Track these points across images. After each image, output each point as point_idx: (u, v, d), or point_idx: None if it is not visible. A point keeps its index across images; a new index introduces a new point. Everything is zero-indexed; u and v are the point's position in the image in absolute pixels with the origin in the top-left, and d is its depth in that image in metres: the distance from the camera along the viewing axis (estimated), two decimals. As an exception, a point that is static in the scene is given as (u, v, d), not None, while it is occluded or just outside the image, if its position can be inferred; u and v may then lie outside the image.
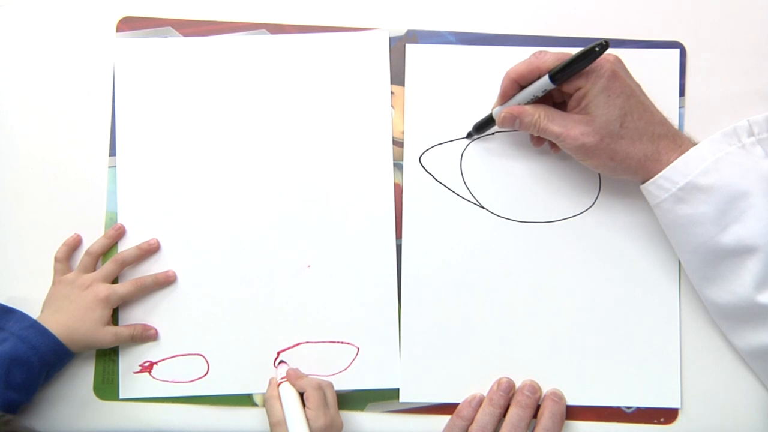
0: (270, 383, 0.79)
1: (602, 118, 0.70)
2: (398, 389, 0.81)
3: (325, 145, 0.83)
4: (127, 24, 0.84)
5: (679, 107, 0.81)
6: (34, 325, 0.77)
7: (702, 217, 0.70)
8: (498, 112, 0.75)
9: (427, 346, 0.81)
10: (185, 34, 0.84)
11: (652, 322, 0.80)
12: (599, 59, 0.69)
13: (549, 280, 0.80)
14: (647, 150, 0.71)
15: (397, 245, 0.82)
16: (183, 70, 0.84)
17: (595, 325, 0.80)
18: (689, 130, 0.79)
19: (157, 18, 0.85)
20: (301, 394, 0.77)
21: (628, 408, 0.80)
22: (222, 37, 0.84)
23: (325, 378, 0.80)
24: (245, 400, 0.82)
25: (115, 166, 0.83)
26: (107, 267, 0.81)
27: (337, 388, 0.80)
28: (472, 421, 0.78)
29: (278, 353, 0.81)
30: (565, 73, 0.69)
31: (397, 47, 0.83)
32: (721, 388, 0.79)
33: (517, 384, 0.80)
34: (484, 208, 0.81)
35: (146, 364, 0.82)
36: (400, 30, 0.83)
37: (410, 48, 0.83)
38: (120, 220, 0.83)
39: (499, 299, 0.81)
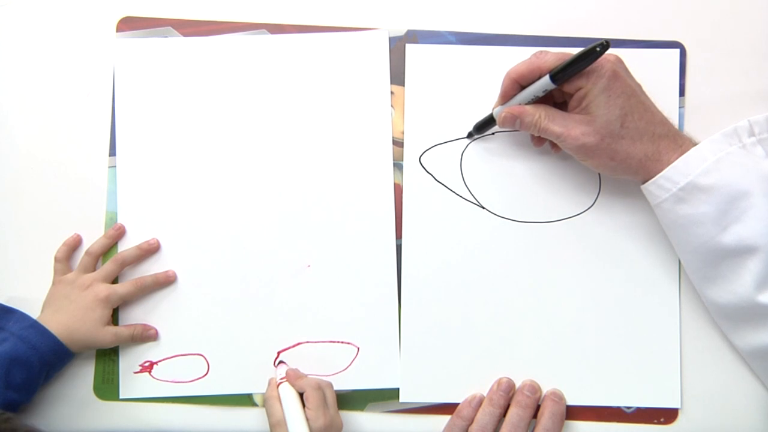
0: (269, 383, 0.79)
1: (603, 118, 0.69)
2: (398, 389, 0.80)
3: (325, 145, 0.82)
4: (127, 24, 0.84)
5: (679, 107, 0.80)
6: (34, 325, 0.76)
7: (702, 217, 0.69)
8: (498, 112, 0.75)
9: (427, 346, 0.80)
10: (185, 34, 0.83)
11: (652, 322, 0.79)
12: (600, 59, 0.68)
13: (549, 280, 0.80)
14: (648, 150, 0.70)
15: (397, 245, 0.81)
16: (183, 70, 0.83)
17: (595, 325, 0.79)
18: (689, 130, 0.78)
19: (157, 18, 0.84)
20: (301, 395, 0.76)
21: (628, 408, 0.79)
22: (222, 37, 0.83)
23: (325, 378, 0.79)
24: (245, 400, 0.81)
25: (115, 166, 0.83)
26: (107, 267, 0.81)
27: (337, 388, 0.79)
28: (472, 421, 0.77)
29: (278, 353, 0.81)
30: (566, 73, 0.69)
31: (397, 47, 0.82)
32: (721, 388, 0.78)
33: (517, 384, 0.79)
34: (484, 208, 0.81)
35: (146, 364, 0.81)
36: (400, 30, 0.82)
37: (410, 48, 0.82)
38: (120, 220, 0.82)
39: (499, 299, 0.80)
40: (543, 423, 0.77)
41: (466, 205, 0.81)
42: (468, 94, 0.81)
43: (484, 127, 0.79)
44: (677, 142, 0.71)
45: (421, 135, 0.81)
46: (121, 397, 0.81)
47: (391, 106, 0.82)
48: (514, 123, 0.73)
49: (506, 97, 0.75)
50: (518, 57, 0.74)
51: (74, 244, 0.82)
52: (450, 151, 0.81)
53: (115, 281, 0.81)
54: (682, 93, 0.80)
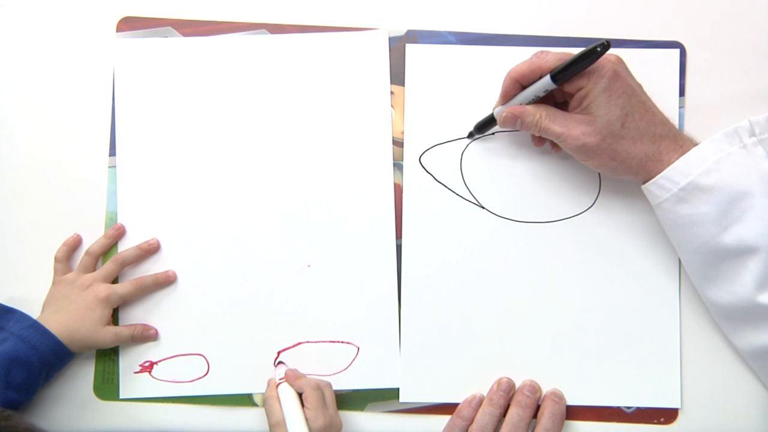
0: (269, 384, 0.78)
1: (603, 118, 0.69)
2: (398, 389, 0.80)
3: (325, 145, 0.81)
4: (127, 24, 0.83)
5: (679, 107, 0.80)
6: (34, 325, 0.76)
7: (703, 217, 0.69)
8: (499, 112, 0.74)
9: (427, 346, 0.79)
10: (185, 34, 0.83)
11: (652, 322, 0.78)
12: (601, 59, 0.67)
13: (549, 280, 0.79)
14: (648, 150, 0.69)
15: (397, 245, 0.80)
16: (183, 70, 0.82)
17: (595, 325, 0.79)
18: (689, 130, 0.77)
19: (157, 18, 0.83)
20: (300, 395, 0.75)
21: (628, 408, 0.78)
22: (222, 37, 0.83)
23: (325, 378, 0.79)
24: (245, 400, 0.80)
25: (115, 166, 0.82)
26: (107, 267, 0.80)
27: (337, 387, 0.79)
28: (472, 421, 0.77)
29: (278, 353, 0.80)
30: (567, 73, 0.68)
31: (397, 47, 0.82)
32: (721, 388, 0.78)
33: (517, 384, 0.78)
34: (484, 208, 0.80)
35: (146, 364, 0.81)
36: (400, 30, 0.82)
37: (410, 48, 0.81)
38: (120, 220, 0.82)
39: (499, 299, 0.79)
40: (543, 423, 0.76)
41: (466, 205, 0.80)
42: (468, 94, 0.80)
43: (484, 126, 0.78)
44: (678, 142, 0.70)
45: (421, 135, 0.81)
46: (121, 397, 0.81)
47: (391, 106, 0.81)
48: (514, 123, 0.73)
49: (507, 96, 0.74)
50: (518, 57, 0.74)
51: (74, 244, 0.82)
52: (450, 151, 0.80)
53: (115, 281, 0.81)
54: (682, 93, 0.80)
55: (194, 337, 0.81)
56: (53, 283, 0.80)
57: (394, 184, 0.81)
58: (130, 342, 0.80)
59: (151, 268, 0.81)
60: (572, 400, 0.78)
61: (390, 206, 0.81)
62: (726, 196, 0.68)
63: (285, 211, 0.81)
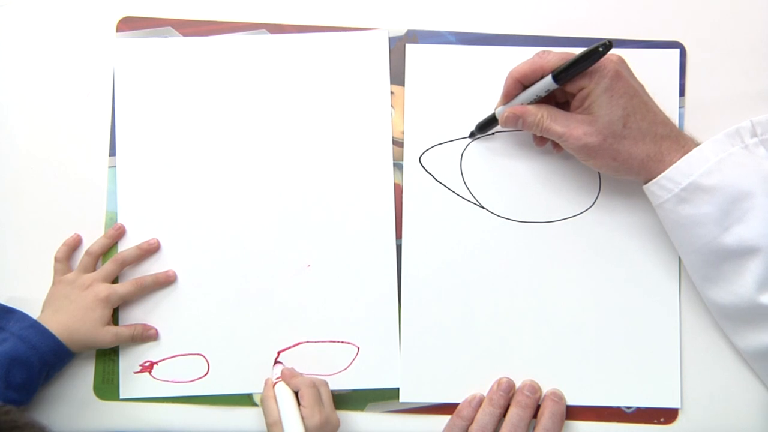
0: (265, 383, 0.77)
1: (605, 119, 0.67)
2: (398, 389, 0.78)
3: (325, 145, 0.80)
4: (127, 24, 0.82)
5: (679, 107, 0.78)
6: (34, 325, 0.74)
7: (704, 217, 0.67)
8: (501, 112, 0.73)
9: (427, 346, 0.78)
10: (185, 34, 0.81)
11: (652, 322, 0.77)
12: (602, 59, 0.66)
13: (549, 280, 0.78)
14: (650, 150, 0.68)
15: (397, 245, 0.79)
16: (183, 70, 0.81)
17: (595, 325, 0.77)
18: (689, 130, 0.76)
19: (157, 18, 0.82)
20: (297, 393, 0.74)
21: (628, 408, 0.77)
22: (222, 37, 0.81)
23: (325, 378, 0.77)
24: (245, 400, 0.79)
25: (115, 166, 0.81)
26: (107, 267, 0.79)
27: (337, 387, 0.78)
28: (472, 421, 0.75)
29: (278, 353, 0.79)
30: (569, 73, 0.67)
31: (397, 47, 0.80)
32: (721, 389, 0.76)
33: (517, 384, 0.77)
34: (484, 208, 0.79)
35: (146, 364, 0.79)
36: (400, 30, 0.80)
37: (410, 48, 0.80)
38: (120, 220, 0.80)
39: (499, 299, 0.78)
40: (543, 423, 0.75)
41: (466, 205, 0.79)
42: (468, 94, 0.79)
43: (486, 126, 0.77)
44: (679, 142, 0.69)
45: (421, 135, 0.79)
46: (121, 397, 0.79)
47: (391, 106, 0.80)
48: (516, 123, 0.72)
49: (509, 96, 0.73)
50: (518, 57, 0.73)
51: (74, 244, 0.80)
52: (450, 151, 0.79)
53: (115, 281, 0.79)
54: (682, 93, 0.78)
55: (194, 337, 0.79)
56: (53, 283, 0.79)
57: (394, 184, 0.79)
58: (130, 342, 0.79)
59: (151, 268, 0.80)
60: (572, 400, 0.77)
61: (390, 206, 0.79)
62: (727, 196, 0.66)
63: (285, 211, 0.80)
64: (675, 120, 0.77)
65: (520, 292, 0.78)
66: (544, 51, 0.71)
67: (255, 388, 0.79)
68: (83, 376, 0.79)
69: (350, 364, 0.79)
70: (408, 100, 0.80)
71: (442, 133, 0.79)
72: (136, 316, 0.80)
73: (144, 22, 0.82)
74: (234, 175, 0.80)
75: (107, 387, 0.79)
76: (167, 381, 0.79)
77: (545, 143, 0.76)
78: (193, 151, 0.80)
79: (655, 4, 0.80)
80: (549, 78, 0.68)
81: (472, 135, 0.78)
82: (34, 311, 0.77)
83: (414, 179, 0.79)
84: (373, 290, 0.79)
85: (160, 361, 0.79)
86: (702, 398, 0.76)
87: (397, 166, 0.79)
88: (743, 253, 0.67)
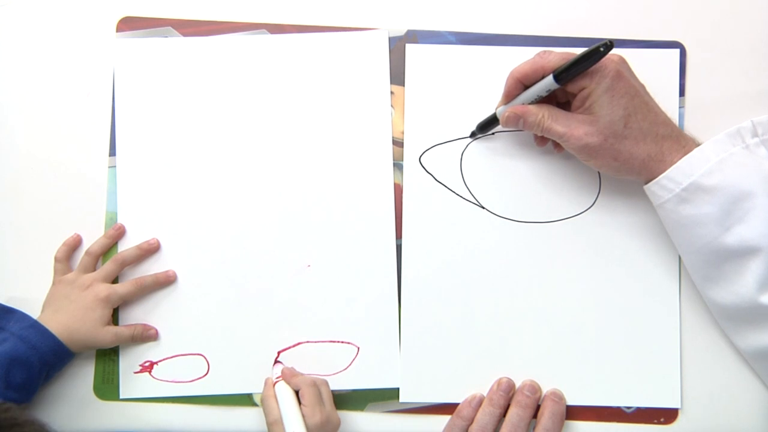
0: (266, 383, 0.76)
1: (606, 119, 0.67)
2: (398, 389, 0.77)
3: (325, 145, 0.79)
4: (127, 24, 0.81)
5: (679, 107, 0.77)
6: (34, 325, 0.74)
7: (705, 217, 0.67)
8: (502, 112, 0.72)
9: (427, 346, 0.77)
10: (185, 34, 0.81)
11: (653, 322, 0.76)
12: (604, 59, 0.66)
13: (549, 280, 0.77)
14: (651, 150, 0.67)
15: (397, 245, 0.78)
16: (183, 70, 0.80)
17: (595, 325, 0.76)
18: (689, 130, 0.74)
19: (157, 18, 0.81)
20: (297, 393, 0.73)
21: (628, 408, 0.76)
22: (222, 37, 0.80)
23: (325, 378, 0.77)
24: (245, 400, 0.78)
25: (115, 166, 0.80)
26: (107, 267, 0.78)
27: (337, 387, 0.77)
28: (472, 421, 0.75)
29: (278, 353, 0.78)
30: (570, 72, 0.66)
31: (397, 47, 0.79)
32: (721, 388, 0.76)
33: (517, 384, 0.76)
34: (484, 208, 0.78)
35: (146, 364, 0.78)
36: (400, 30, 0.79)
37: (410, 48, 0.79)
38: (120, 220, 0.79)
39: (499, 299, 0.77)
40: (543, 423, 0.74)
41: (466, 205, 0.78)
42: (468, 94, 0.78)
43: (487, 126, 0.76)
44: (680, 142, 0.68)
45: (421, 135, 0.78)
46: (121, 397, 0.78)
47: (391, 106, 0.79)
48: (517, 122, 0.71)
49: (509, 96, 0.72)
50: (518, 57, 0.72)
51: (74, 244, 0.80)
52: (450, 151, 0.78)
53: (115, 281, 0.79)
54: (682, 93, 0.78)
55: (194, 337, 0.78)
56: (53, 283, 0.78)
57: (394, 184, 0.78)
58: (130, 342, 0.78)
59: (151, 268, 0.79)
60: (572, 400, 0.76)
61: (390, 206, 0.78)
62: (728, 196, 0.66)
63: (285, 211, 0.79)
64: (675, 120, 0.75)
65: (520, 292, 0.77)
66: (545, 51, 0.70)
67: (255, 388, 0.78)
68: (83, 376, 0.79)
69: (350, 364, 0.78)
70: (408, 100, 0.79)
71: (442, 133, 0.78)
72: (136, 316, 0.79)
73: (144, 22, 0.81)
74: (234, 175, 0.79)
75: (107, 387, 0.78)
76: (167, 381, 0.78)
77: (546, 143, 0.76)
78: (193, 151, 0.79)
79: (655, 4, 0.79)
80: (550, 78, 0.67)
81: (473, 135, 0.78)
82: (34, 311, 0.76)
83: (414, 179, 0.78)
84: (373, 290, 0.78)
85: (160, 361, 0.78)
86: (702, 398, 0.76)
87: (397, 166, 0.78)
88: (744, 253, 0.66)
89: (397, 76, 0.79)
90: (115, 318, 0.78)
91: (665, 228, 0.72)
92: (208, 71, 0.80)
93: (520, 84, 0.71)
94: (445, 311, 0.77)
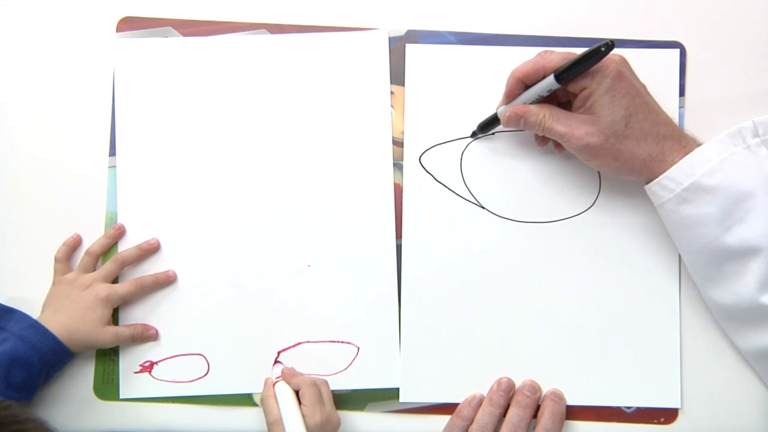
0: (265, 383, 0.75)
1: (607, 119, 0.66)
2: (398, 389, 0.76)
3: (325, 145, 0.78)
4: (127, 24, 0.80)
5: (679, 107, 0.76)
6: (35, 325, 0.73)
7: (706, 217, 0.66)
8: (503, 112, 0.72)
9: (427, 346, 0.76)
10: (185, 34, 0.80)
11: (653, 322, 0.75)
12: (605, 59, 0.65)
13: (549, 280, 0.76)
14: (652, 150, 0.66)
15: (397, 245, 0.77)
16: (183, 70, 0.79)
17: (595, 325, 0.76)
18: (689, 130, 0.73)
19: (157, 18, 0.80)
20: (297, 393, 0.73)
21: (628, 408, 0.75)
22: (222, 37, 0.79)
23: (325, 378, 0.76)
24: (245, 400, 0.77)
25: (115, 166, 0.79)
26: (107, 267, 0.77)
27: (337, 387, 0.76)
28: (472, 421, 0.74)
29: (278, 353, 0.77)
30: (571, 72, 0.65)
31: (397, 47, 0.78)
32: (721, 388, 0.75)
33: (517, 384, 0.75)
34: (484, 208, 0.77)
35: (146, 364, 0.78)
36: (400, 30, 0.78)
37: (410, 48, 0.78)
38: (120, 220, 0.78)
39: (499, 299, 0.76)
40: (543, 423, 0.73)
41: (466, 205, 0.77)
42: (468, 94, 0.77)
43: (488, 126, 0.75)
44: (681, 142, 0.67)
45: (421, 135, 0.78)
46: (121, 397, 0.78)
47: (391, 106, 0.78)
48: (518, 122, 0.70)
49: (510, 96, 0.71)
50: (519, 57, 0.71)
51: (74, 244, 0.79)
52: (450, 151, 0.77)
53: (115, 281, 0.78)
54: (682, 93, 0.77)
55: (194, 337, 0.77)
56: (53, 283, 0.77)
57: (394, 184, 0.77)
58: (130, 342, 0.77)
59: (151, 268, 0.78)
60: (572, 400, 0.75)
61: (390, 206, 0.77)
62: (729, 196, 0.65)
63: (285, 211, 0.78)
64: (675, 120, 0.74)
65: (520, 292, 0.76)
66: (546, 51, 0.69)
67: (255, 388, 0.77)
68: (83, 376, 0.78)
69: (350, 364, 0.77)
70: (408, 100, 0.78)
71: (442, 133, 0.77)
72: (136, 316, 0.78)
73: (144, 22, 0.80)
74: (234, 175, 0.78)
75: (107, 387, 0.78)
76: (167, 381, 0.77)
77: (547, 143, 0.75)
78: (193, 151, 0.78)
79: (655, 4, 0.78)
80: (551, 78, 0.67)
81: (473, 134, 0.77)
82: (34, 311, 0.75)
83: (414, 179, 0.77)
84: (373, 290, 0.77)
85: (160, 361, 0.77)
86: (702, 398, 0.75)
87: (397, 166, 0.78)
88: (745, 253, 0.65)
89: (397, 76, 0.78)
90: (115, 318, 0.77)
91: (666, 228, 0.71)
92: (208, 71, 0.79)
93: (521, 84, 0.70)
94: (445, 311, 0.76)
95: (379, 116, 0.78)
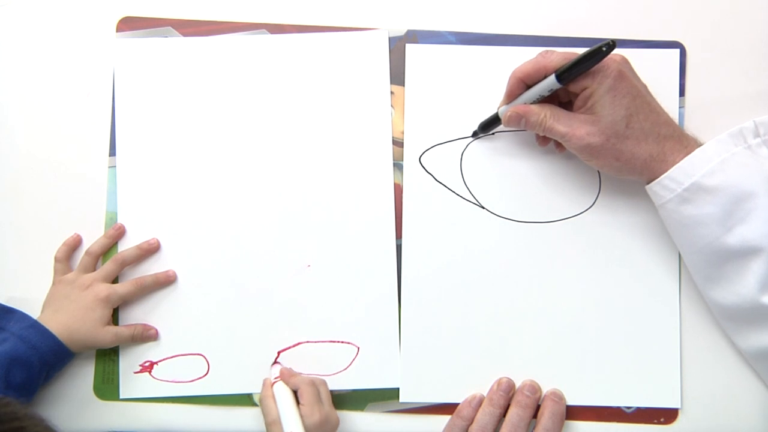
0: (264, 383, 0.74)
1: (608, 119, 0.65)
2: (398, 389, 0.76)
3: (325, 145, 0.77)
4: (127, 24, 0.79)
5: (679, 107, 0.76)
6: (35, 325, 0.72)
7: (707, 217, 0.65)
8: (504, 111, 0.71)
9: (427, 346, 0.75)
10: (185, 34, 0.79)
11: (653, 322, 0.74)
12: (606, 59, 0.64)
13: (549, 280, 0.75)
14: (653, 150, 0.66)
15: (397, 245, 0.76)
16: (183, 70, 0.78)
17: (595, 325, 0.75)
18: (689, 130, 0.72)
19: (157, 18, 0.79)
20: (296, 392, 0.72)
21: (628, 408, 0.74)
22: (222, 37, 0.78)
23: (325, 378, 0.75)
24: (245, 400, 0.76)
25: (115, 166, 0.78)
26: (107, 267, 0.76)
27: (337, 387, 0.75)
28: (472, 421, 0.73)
29: (278, 353, 0.76)
30: (572, 72, 0.65)
31: (397, 47, 0.77)
32: (721, 388, 0.74)
33: (517, 384, 0.74)
34: (484, 208, 0.76)
35: (146, 364, 0.77)
36: (400, 30, 0.78)
37: (410, 48, 0.77)
38: (120, 220, 0.78)
39: (499, 299, 0.75)
40: (543, 423, 0.72)
41: (466, 205, 0.76)
42: (468, 94, 0.76)
43: (488, 126, 0.74)
44: (682, 142, 0.66)
45: (421, 135, 0.77)
46: (121, 397, 0.77)
47: (391, 106, 0.77)
48: (519, 122, 0.69)
49: (511, 96, 0.71)
50: (518, 57, 0.71)
51: (74, 244, 0.78)
52: (450, 151, 0.76)
53: (115, 281, 0.77)
54: (682, 93, 0.76)
55: (194, 337, 0.77)
56: (53, 283, 0.77)
57: (394, 184, 0.77)
58: (130, 342, 0.76)
59: (151, 268, 0.77)
60: (572, 400, 0.74)
61: (390, 206, 0.76)
62: (730, 196, 0.64)
63: (285, 211, 0.77)
64: (675, 120, 0.73)
65: (520, 292, 0.75)
66: (547, 50, 0.68)
67: (255, 388, 0.76)
68: (83, 376, 0.77)
69: (350, 364, 0.76)
70: (408, 100, 0.77)
71: (442, 133, 0.76)
72: (136, 316, 0.77)
73: (144, 22, 0.79)
74: (234, 175, 0.77)
75: (107, 387, 0.77)
76: (167, 381, 0.76)
77: (548, 143, 0.74)
78: (193, 151, 0.78)
79: (655, 4, 0.77)
80: (552, 77, 0.66)
81: (474, 134, 0.76)
82: (34, 311, 0.74)
83: (414, 179, 0.76)
84: (373, 290, 0.76)
85: (160, 361, 0.77)
86: (702, 398, 0.74)
87: (397, 166, 0.77)
88: (746, 253, 0.65)
89: (397, 76, 0.77)
90: (115, 318, 0.77)
91: (666, 228, 0.70)
92: (208, 71, 0.78)
93: (522, 83, 0.69)
94: (445, 311, 0.75)
95: (379, 116, 0.77)
